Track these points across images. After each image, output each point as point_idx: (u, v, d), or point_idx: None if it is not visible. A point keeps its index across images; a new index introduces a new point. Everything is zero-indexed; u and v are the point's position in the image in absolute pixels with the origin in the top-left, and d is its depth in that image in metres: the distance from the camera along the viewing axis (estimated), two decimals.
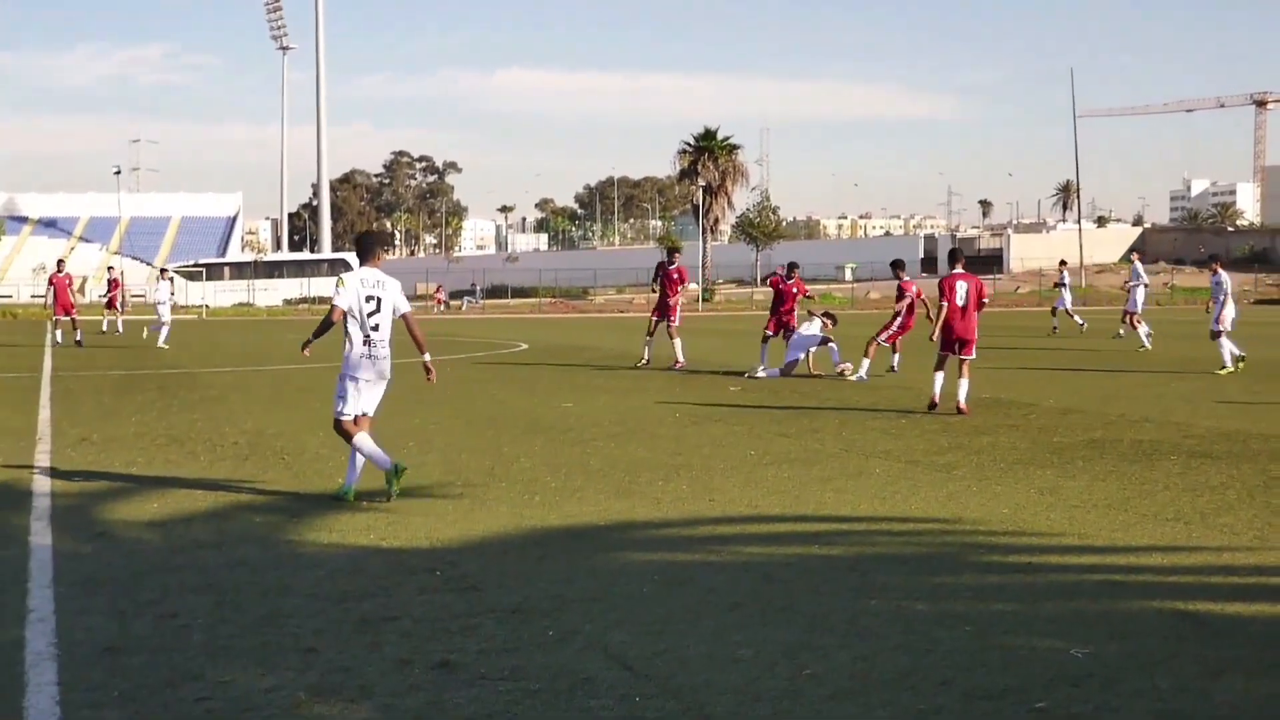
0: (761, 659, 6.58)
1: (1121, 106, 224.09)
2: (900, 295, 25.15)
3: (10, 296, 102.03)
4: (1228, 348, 25.34)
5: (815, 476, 12.55)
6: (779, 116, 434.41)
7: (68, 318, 39.03)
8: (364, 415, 11.56)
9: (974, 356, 18.41)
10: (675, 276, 27.58)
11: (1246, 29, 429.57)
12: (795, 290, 26.19)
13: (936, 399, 18.06)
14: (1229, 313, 25.95)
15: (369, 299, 11.38)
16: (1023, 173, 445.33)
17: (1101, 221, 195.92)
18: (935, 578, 8.43)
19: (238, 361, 31.45)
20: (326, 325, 11.41)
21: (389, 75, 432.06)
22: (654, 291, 28.75)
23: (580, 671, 6.41)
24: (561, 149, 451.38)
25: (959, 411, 17.71)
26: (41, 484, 12.30)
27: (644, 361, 27.67)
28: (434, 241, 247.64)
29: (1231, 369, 24.94)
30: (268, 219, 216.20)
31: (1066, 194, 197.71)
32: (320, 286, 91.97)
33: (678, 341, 27.12)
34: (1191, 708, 5.84)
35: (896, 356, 25.48)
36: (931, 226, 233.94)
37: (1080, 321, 42.82)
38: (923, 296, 24.99)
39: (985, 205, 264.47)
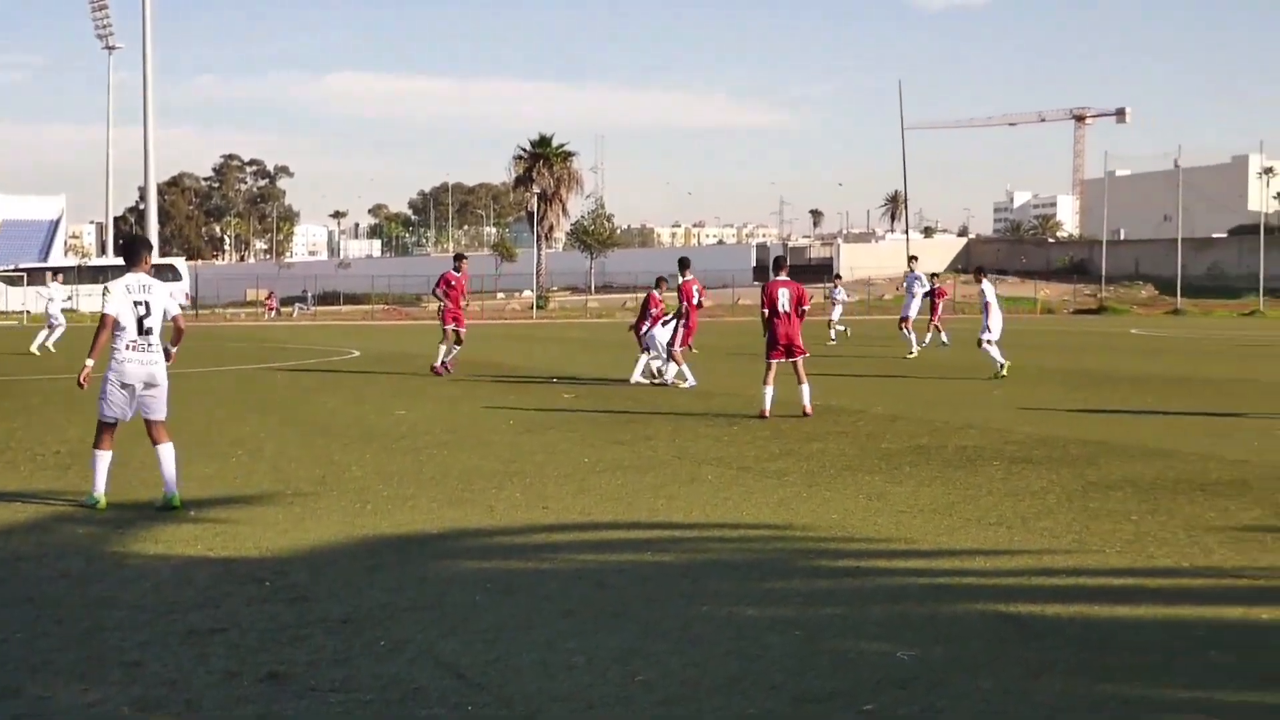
0: (594, 666, 6.60)
1: (947, 120, 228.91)
2: (681, 296, 25.19)
3: None
4: (994, 354, 26.29)
5: (648, 483, 12.61)
6: (613, 125, 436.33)
7: None
8: (156, 423, 11.39)
9: (807, 354, 18.95)
10: (454, 284, 28.25)
11: (1066, 47, 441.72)
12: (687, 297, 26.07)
13: (768, 411, 18.29)
14: (995, 321, 26.88)
15: (138, 304, 11.24)
16: (852, 183, 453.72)
17: (929, 232, 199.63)
18: (766, 583, 8.52)
19: (59, 369, 30.65)
20: (100, 336, 11.22)
21: (217, 77, 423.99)
22: (437, 299, 29.24)
23: (412, 681, 6.36)
24: (395, 154, 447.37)
25: (805, 414, 18.16)
26: None
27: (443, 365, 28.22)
28: (265, 247, 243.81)
29: (1002, 375, 25.85)
30: (93, 222, 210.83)
31: (895, 204, 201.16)
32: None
33: (447, 347, 28.17)
34: (1014, 708, 5.97)
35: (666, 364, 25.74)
36: (764, 235, 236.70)
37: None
38: (704, 295, 25.48)
39: (816, 215, 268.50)
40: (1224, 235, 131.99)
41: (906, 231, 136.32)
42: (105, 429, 11.30)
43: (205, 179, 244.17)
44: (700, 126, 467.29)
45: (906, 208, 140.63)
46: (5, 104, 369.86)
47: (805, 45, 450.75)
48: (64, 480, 12.79)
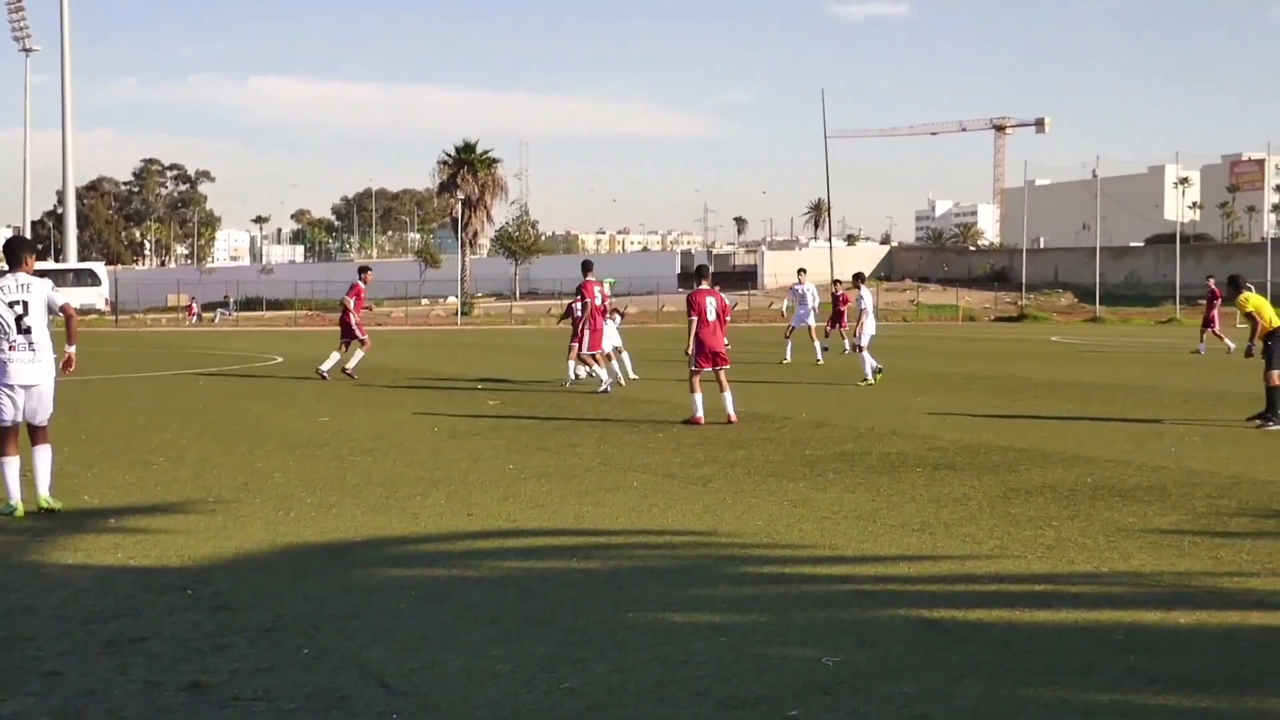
0: (519, 673, 6.59)
1: (870, 128, 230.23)
2: (581, 297, 25.32)
3: None
4: (869, 362, 26.76)
5: (573, 490, 12.61)
6: (537, 132, 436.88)
7: None
8: (39, 428, 11.26)
9: (730, 365, 19.12)
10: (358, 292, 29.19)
11: (987, 57, 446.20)
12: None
13: (702, 419, 18.38)
14: (869, 328, 27.50)
15: (13, 304, 11.15)
16: (776, 191, 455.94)
17: (851, 240, 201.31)
18: (691, 589, 8.54)
19: None
20: None
21: (137, 80, 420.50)
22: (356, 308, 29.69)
23: (336, 690, 6.32)
24: (318, 160, 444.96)
25: (729, 422, 18.28)
26: None
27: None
28: (186, 252, 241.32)
29: (871, 381, 26.32)
30: (9, 227, 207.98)
31: (818, 212, 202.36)
32: (66, 296, 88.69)
33: (354, 353, 29.05)
34: (937, 712, 6.02)
35: (578, 367, 26.07)
36: (688, 242, 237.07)
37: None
38: (609, 299, 25.73)
39: (740, 222, 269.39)
40: (1141, 244, 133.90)
41: (830, 239, 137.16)
42: (5, 434, 11.14)
43: (125, 183, 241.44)
44: (624, 133, 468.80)
45: (830, 215, 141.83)
46: None
47: (728, 53, 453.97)
48: None
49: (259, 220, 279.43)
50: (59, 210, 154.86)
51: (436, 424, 18.71)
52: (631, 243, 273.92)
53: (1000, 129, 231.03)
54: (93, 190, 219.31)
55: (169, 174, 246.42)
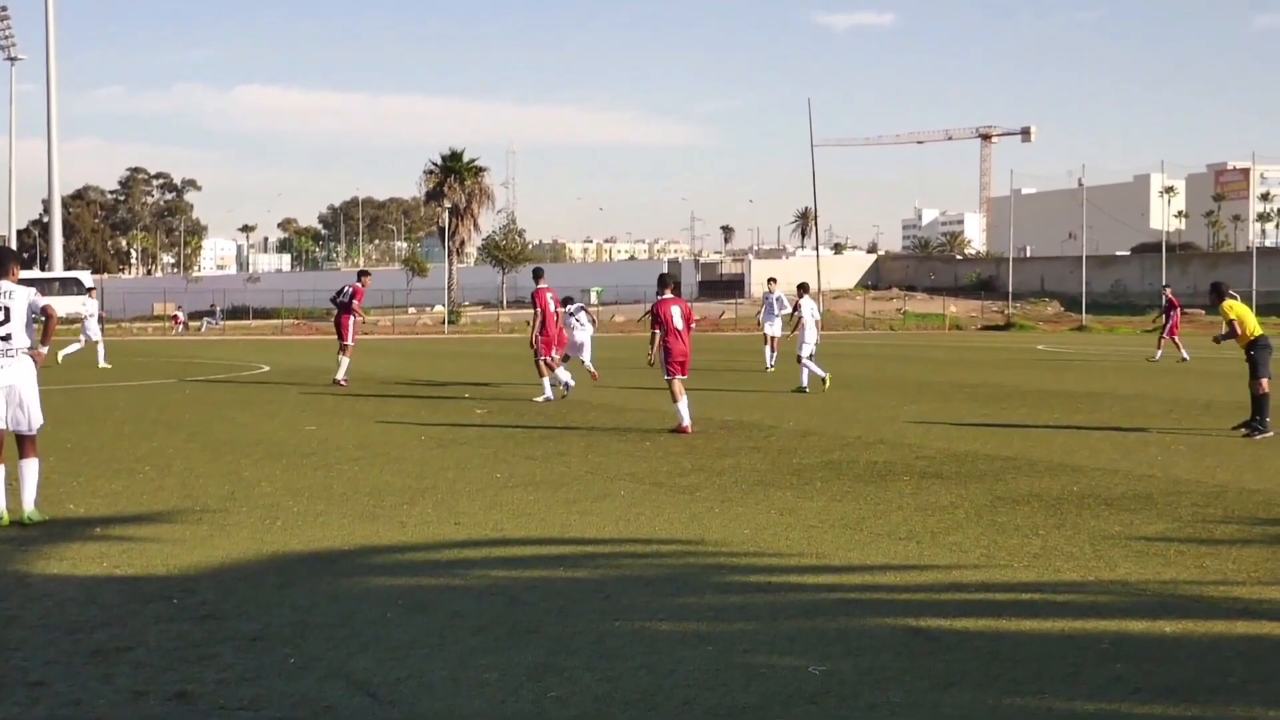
0: (506, 682, 6.58)
1: (856, 137, 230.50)
2: (534, 303, 25.41)
3: None
4: (809, 369, 27.02)
5: (561, 499, 12.60)
6: (524, 140, 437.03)
7: None
8: (27, 439, 11.24)
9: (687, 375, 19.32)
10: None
11: (973, 67, 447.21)
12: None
13: (690, 426, 18.45)
14: (810, 336, 27.75)
15: None
16: (763, 200, 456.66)
17: (838, 248, 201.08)
18: (678, 598, 8.54)
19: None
20: None
21: (123, 89, 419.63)
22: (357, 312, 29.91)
23: (322, 700, 6.31)
24: (305, 168, 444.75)
25: (682, 431, 18.45)
26: None
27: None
28: (172, 261, 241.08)
29: (806, 388, 26.70)
30: None
31: (805, 221, 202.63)
32: (44, 300, 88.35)
33: (346, 360, 29.18)
34: None
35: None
36: (675, 251, 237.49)
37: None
38: (559, 304, 25.85)
39: (727, 231, 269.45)
40: (1126, 253, 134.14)
41: (816, 248, 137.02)
42: None
43: (111, 192, 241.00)
44: (611, 142, 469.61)
45: (816, 224, 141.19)
46: None
47: (714, 62, 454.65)
48: None
49: (245, 229, 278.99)
50: (45, 219, 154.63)
51: (423, 432, 18.70)
52: (619, 251, 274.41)
53: (986, 138, 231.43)
54: (79, 199, 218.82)
55: (155, 183, 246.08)
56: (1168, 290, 44.35)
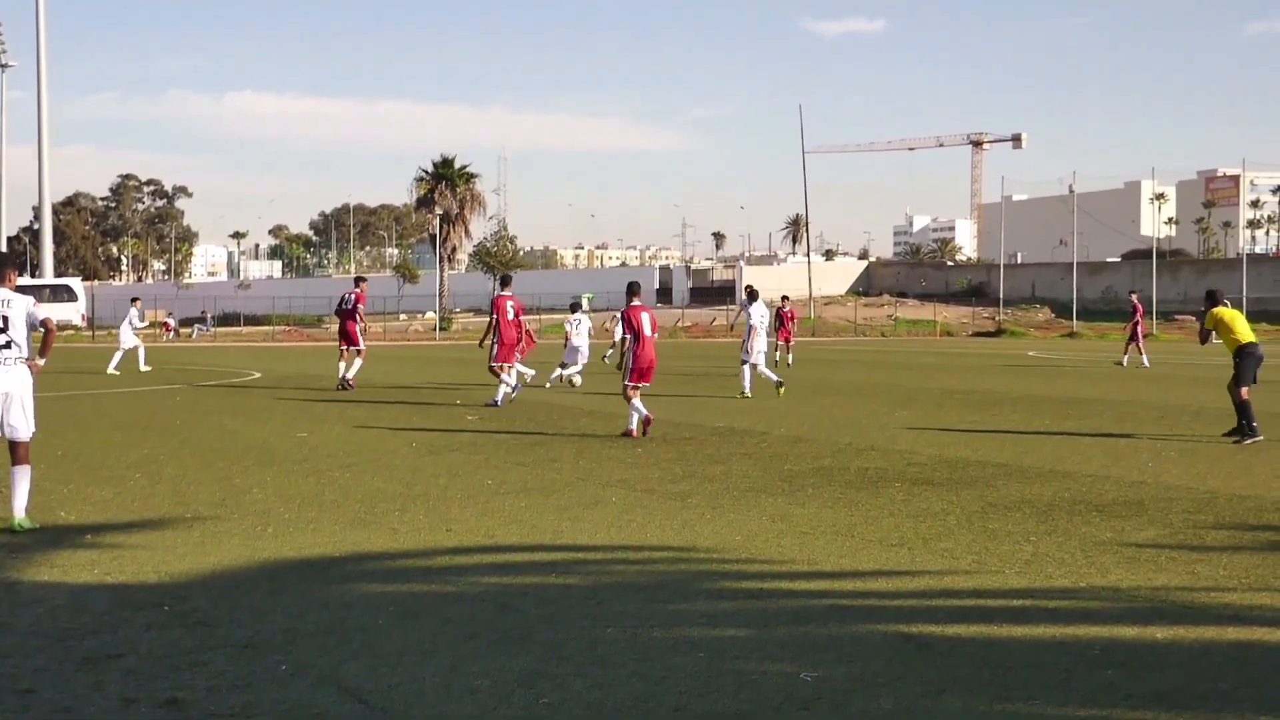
0: (498, 689, 6.57)
1: (847, 144, 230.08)
2: (493, 310, 25.61)
3: None
4: (747, 378, 27.36)
5: (552, 505, 12.59)
6: (515, 147, 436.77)
7: None
8: (19, 446, 11.24)
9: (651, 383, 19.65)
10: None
11: (963, 73, 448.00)
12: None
13: (649, 420, 18.84)
14: (759, 343, 28.11)
15: None
16: (754, 206, 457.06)
17: (830, 255, 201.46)
18: (670, 605, 8.53)
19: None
20: None
21: (114, 95, 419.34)
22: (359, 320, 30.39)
23: (314, 706, 6.30)
24: (296, 175, 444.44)
25: (629, 435, 18.80)
26: None
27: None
28: (163, 267, 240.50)
29: (748, 395, 26.88)
30: None
31: (796, 227, 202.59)
32: (43, 312, 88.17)
33: (358, 363, 29.87)
34: None
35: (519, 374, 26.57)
36: (666, 257, 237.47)
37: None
38: (521, 312, 26.00)
39: (718, 237, 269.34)
40: (1117, 260, 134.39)
41: (808, 254, 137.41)
42: None
43: (102, 199, 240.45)
44: (602, 149, 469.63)
45: (808, 231, 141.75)
46: None
47: (706, 69, 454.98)
48: None
49: (236, 236, 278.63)
50: (35, 226, 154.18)
51: (415, 439, 18.68)
52: (610, 258, 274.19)
53: (978, 144, 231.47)
54: (69, 206, 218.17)
55: (146, 189, 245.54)
56: (1134, 296, 45.09)
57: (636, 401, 18.98)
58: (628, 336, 19.44)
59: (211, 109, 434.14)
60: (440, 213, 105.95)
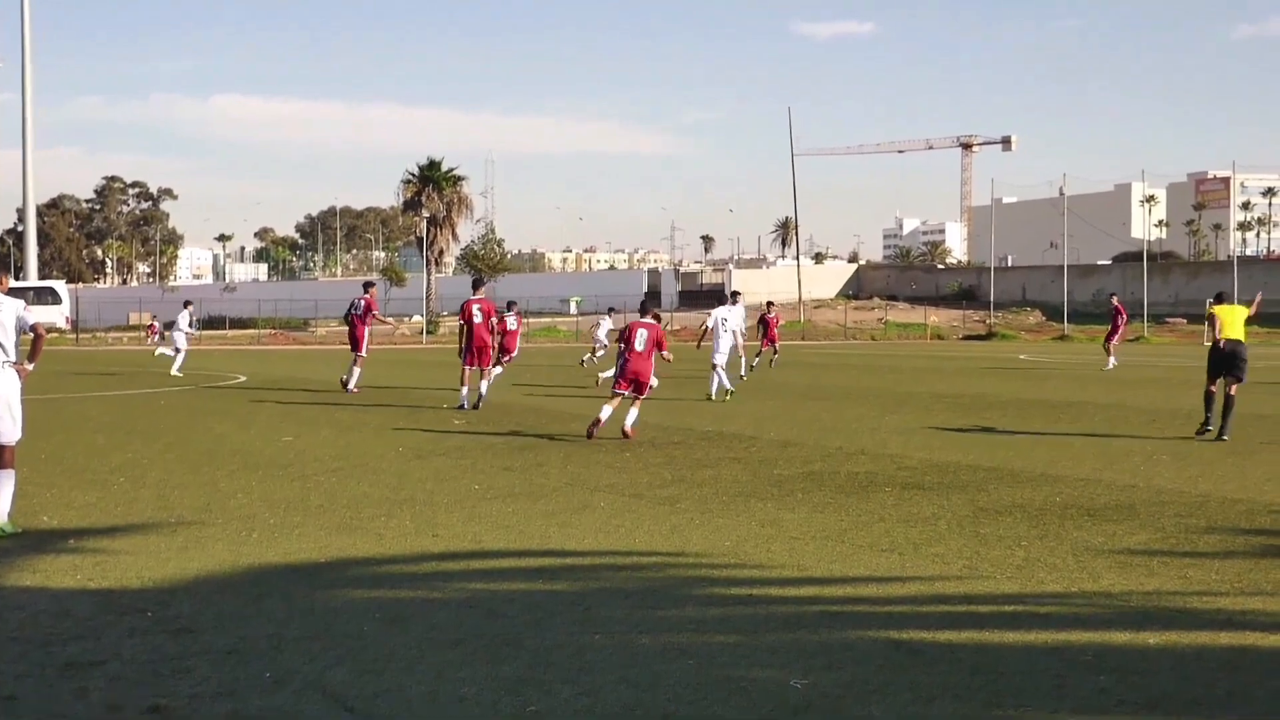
0: (484, 696, 6.51)
1: (837, 146, 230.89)
2: (461, 314, 25.93)
3: None
4: (717, 381, 27.53)
5: (540, 511, 12.53)
6: (504, 149, 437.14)
7: None
8: (5, 450, 11.18)
9: (647, 395, 19.86)
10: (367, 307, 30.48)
11: (953, 76, 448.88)
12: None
13: (602, 422, 19.04)
14: (721, 346, 28.37)
15: None
16: (743, 209, 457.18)
17: (819, 258, 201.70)
18: (659, 611, 8.47)
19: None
20: None
21: (100, 98, 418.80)
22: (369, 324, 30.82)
23: (298, 714, 6.24)
24: (282, 177, 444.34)
25: (625, 436, 18.97)
26: None
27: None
28: (148, 270, 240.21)
29: (716, 399, 27.12)
30: None
31: (785, 230, 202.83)
32: (34, 317, 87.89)
33: (358, 370, 30.05)
34: None
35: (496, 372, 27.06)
36: (655, 261, 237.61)
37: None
38: (491, 315, 26.07)
39: (707, 240, 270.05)
40: (1108, 262, 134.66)
41: (797, 257, 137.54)
42: None
43: (87, 201, 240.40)
44: (591, 151, 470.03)
45: (797, 234, 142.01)
46: None
47: (695, 72, 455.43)
48: None
49: (222, 238, 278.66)
50: (19, 228, 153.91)
51: (401, 443, 18.61)
52: (598, 261, 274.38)
53: (967, 147, 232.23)
54: (54, 208, 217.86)
55: (131, 191, 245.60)
56: (1114, 298, 45.51)
57: (610, 404, 19.37)
58: (620, 345, 19.95)
59: (198, 112, 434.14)
60: (427, 215, 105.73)
